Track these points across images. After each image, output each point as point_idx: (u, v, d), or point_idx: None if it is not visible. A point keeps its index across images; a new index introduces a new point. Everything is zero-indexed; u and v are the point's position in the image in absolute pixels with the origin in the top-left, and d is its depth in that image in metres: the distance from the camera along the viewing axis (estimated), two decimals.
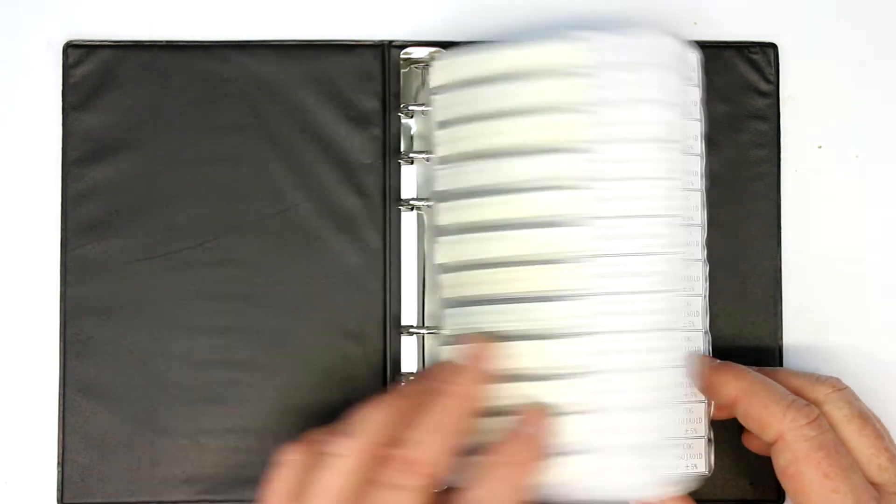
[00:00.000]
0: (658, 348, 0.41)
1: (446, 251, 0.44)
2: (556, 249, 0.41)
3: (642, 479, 0.41)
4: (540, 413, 0.40)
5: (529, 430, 0.40)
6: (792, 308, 0.47)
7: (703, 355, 0.44)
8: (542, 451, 0.40)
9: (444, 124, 0.44)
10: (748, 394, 0.41)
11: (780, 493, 0.46)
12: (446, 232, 0.44)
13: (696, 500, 0.46)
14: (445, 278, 0.44)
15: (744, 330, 0.47)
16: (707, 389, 0.43)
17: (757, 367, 0.44)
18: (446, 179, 0.44)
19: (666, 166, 0.41)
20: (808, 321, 0.48)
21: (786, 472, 0.40)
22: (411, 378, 0.46)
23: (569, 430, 0.40)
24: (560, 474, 0.40)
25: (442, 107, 0.44)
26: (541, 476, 0.40)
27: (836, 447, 0.40)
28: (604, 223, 0.41)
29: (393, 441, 0.38)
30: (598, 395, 0.40)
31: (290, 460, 0.39)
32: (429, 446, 0.38)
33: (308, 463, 0.39)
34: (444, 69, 0.44)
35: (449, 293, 0.44)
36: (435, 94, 0.45)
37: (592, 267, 0.41)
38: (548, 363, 0.41)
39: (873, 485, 0.40)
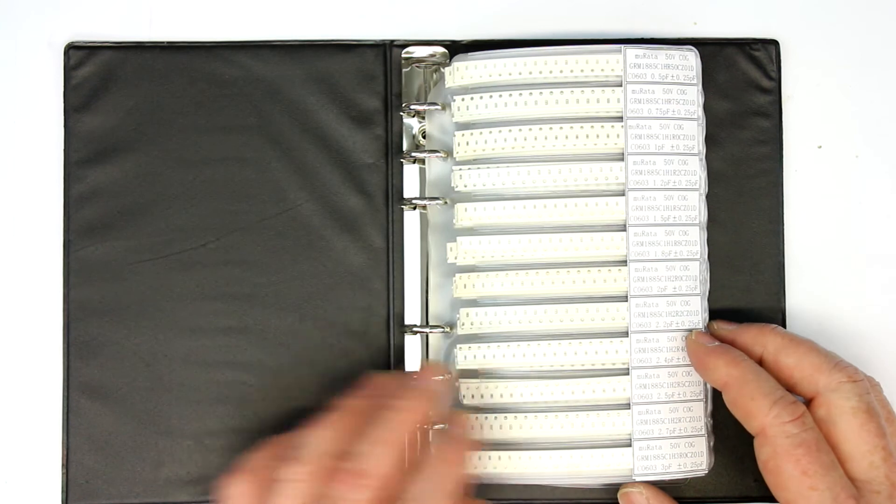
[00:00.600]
0: (682, 347, 0.45)
1: (467, 251, 0.45)
2: (592, 254, 0.45)
3: (678, 463, 0.45)
4: (463, 415, 0.45)
5: (458, 431, 0.44)
6: (795, 304, 0.48)
7: (702, 333, 0.45)
8: (469, 449, 0.44)
9: (466, 126, 0.46)
10: (739, 382, 0.42)
11: None
12: (467, 232, 0.45)
13: (702, 498, 0.47)
14: (461, 278, 0.45)
15: None
16: (699, 369, 0.44)
17: (789, 333, 0.44)
18: (470, 181, 0.45)
19: (693, 178, 0.45)
20: (811, 317, 0.48)
21: (766, 466, 0.41)
22: (353, 392, 0.45)
23: (614, 423, 0.45)
24: (602, 463, 0.44)
25: (464, 108, 0.45)
26: (578, 465, 0.45)
27: (818, 445, 0.40)
28: (638, 230, 0.45)
29: (342, 456, 0.40)
30: (643, 391, 0.45)
31: (239, 492, 0.40)
32: (377, 459, 0.39)
33: (258, 492, 0.40)
34: (466, 70, 0.45)
35: (466, 293, 0.45)
36: (455, 94, 0.46)
37: (627, 271, 0.45)
38: (589, 361, 0.45)
39: (858, 481, 0.40)
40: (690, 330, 0.45)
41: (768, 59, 0.48)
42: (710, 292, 0.46)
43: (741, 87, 0.48)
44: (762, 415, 0.41)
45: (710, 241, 0.46)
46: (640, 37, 0.48)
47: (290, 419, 0.46)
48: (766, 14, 0.49)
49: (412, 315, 0.47)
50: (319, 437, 0.40)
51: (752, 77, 0.48)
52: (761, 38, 0.48)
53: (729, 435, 0.46)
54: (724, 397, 0.43)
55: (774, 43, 0.48)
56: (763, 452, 0.41)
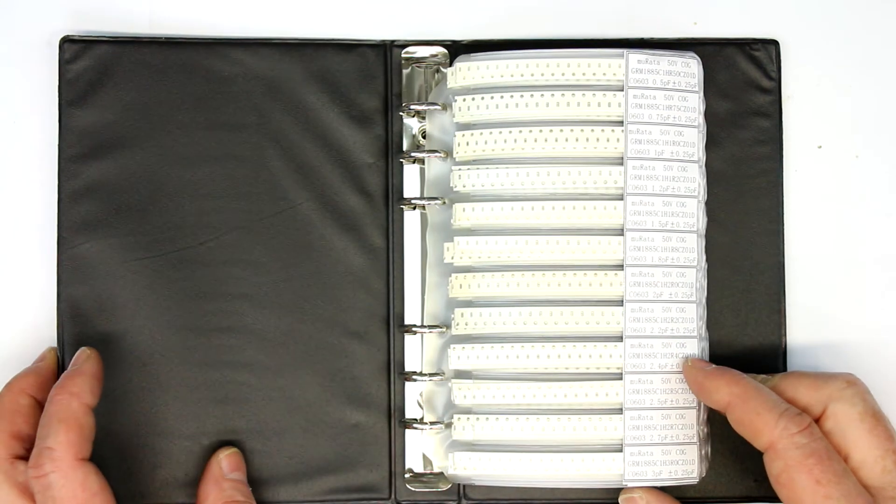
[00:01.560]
0: (676, 353, 0.46)
1: (464, 251, 0.46)
2: (589, 257, 0.46)
3: (669, 470, 0.45)
4: (83, 352, 0.46)
5: (75, 367, 0.45)
6: (795, 304, 0.49)
7: (697, 359, 0.46)
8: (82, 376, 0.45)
9: (467, 126, 0.46)
10: (742, 400, 0.43)
11: None
12: (464, 233, 0.46)
13: (702, 498, 0.47)
14: (457, 278, 0.46)
15: (747, 326, 0.48)
16: (700, 393, 0.45)
17: (767, 374, 0.46)
18: (469, 181, 0.46)
19: (693, 185, 0.46)
20: (811, 317, 0.49)
21: (778, 479, 0.41)
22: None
23: (606, 427, 0.45)
24: (593, 467, 0.45)
25: (465, 109, 0.46)
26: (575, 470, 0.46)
27: (828, 453, 0.41)
28: (635, 235, 0.45)
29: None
30: (635, 396, 0.45)
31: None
32: (57, 435, 0.42)
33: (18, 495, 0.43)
34: (468, 71, 0.46)
35: (462, 293, 0.46)
36: (457, 94, 0.46)
37: (624, 275, 0.45)
38: (583, 365, 0.46)
39: (873, 487, 0.41)
40: (685, 337, 0.46)
41: (768, 59, 0.49)
42: (709, 292, 0.47)
43: (741, 87, 0.49)
44: (769, 429, 0.41)
45: (710, 241, 0.47)
46: (640, 37, 0.49)
47: (289, 419, 0.47)
48: (766, 14, 0.50)
49: (412, 315, 0.48)
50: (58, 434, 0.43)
51: (752, 77, 0.49)
52: (761, 38, 0.49)
53: (729, 435, 0.46)
54: (729, 417, 0.43)
55: (774, 43, 0.49)
56: (775, 467, 0.41)
